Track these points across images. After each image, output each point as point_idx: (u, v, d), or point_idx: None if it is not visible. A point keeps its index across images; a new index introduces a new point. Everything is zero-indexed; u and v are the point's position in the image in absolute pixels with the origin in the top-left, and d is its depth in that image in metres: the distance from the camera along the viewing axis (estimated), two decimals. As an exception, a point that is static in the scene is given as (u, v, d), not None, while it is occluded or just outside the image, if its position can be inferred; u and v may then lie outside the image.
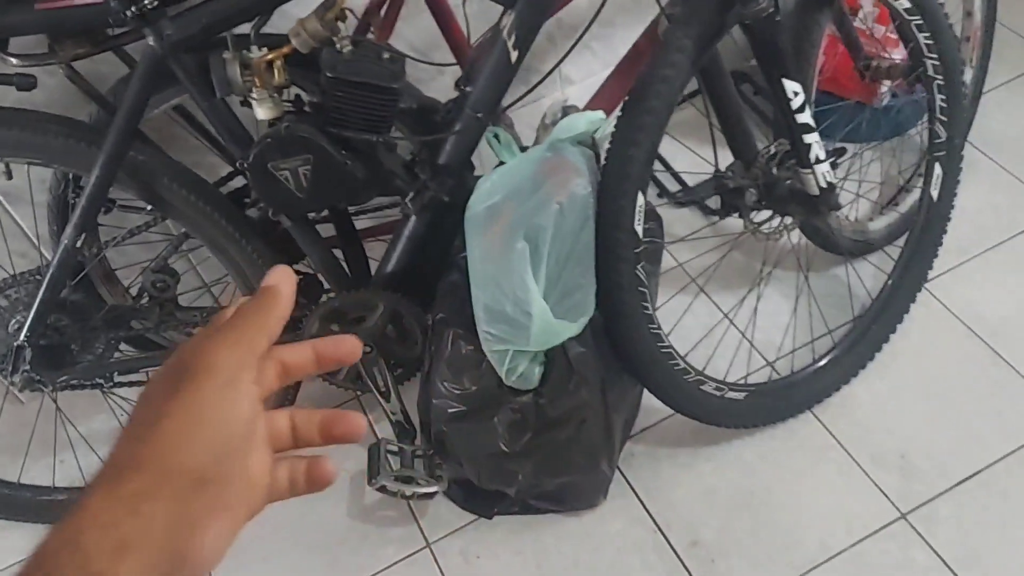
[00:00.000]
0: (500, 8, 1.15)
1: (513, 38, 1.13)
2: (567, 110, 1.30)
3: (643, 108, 1.15)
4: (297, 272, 1.41)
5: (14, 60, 1.12)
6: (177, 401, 0.37)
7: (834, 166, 1.34)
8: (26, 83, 1.08)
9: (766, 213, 1.41)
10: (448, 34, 1.35)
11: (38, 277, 1.26)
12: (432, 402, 1.29)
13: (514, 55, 1.15)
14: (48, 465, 1.58)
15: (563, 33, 1.72)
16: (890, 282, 1.57)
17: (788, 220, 1.41)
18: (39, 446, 1.58)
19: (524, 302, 1.14)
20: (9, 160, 1.15)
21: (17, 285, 1.28)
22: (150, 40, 1.07)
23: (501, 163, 1.25)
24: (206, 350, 0.39)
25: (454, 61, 1.41)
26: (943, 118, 1.44)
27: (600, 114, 1.16)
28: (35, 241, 1.50)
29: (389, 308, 1.31)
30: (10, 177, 1.18)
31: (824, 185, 1.28)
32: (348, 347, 0.46)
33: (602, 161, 1.20)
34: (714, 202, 1.40)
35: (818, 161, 1.25)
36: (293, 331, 1.34)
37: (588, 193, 1.16)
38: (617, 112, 1.20)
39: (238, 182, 1.39)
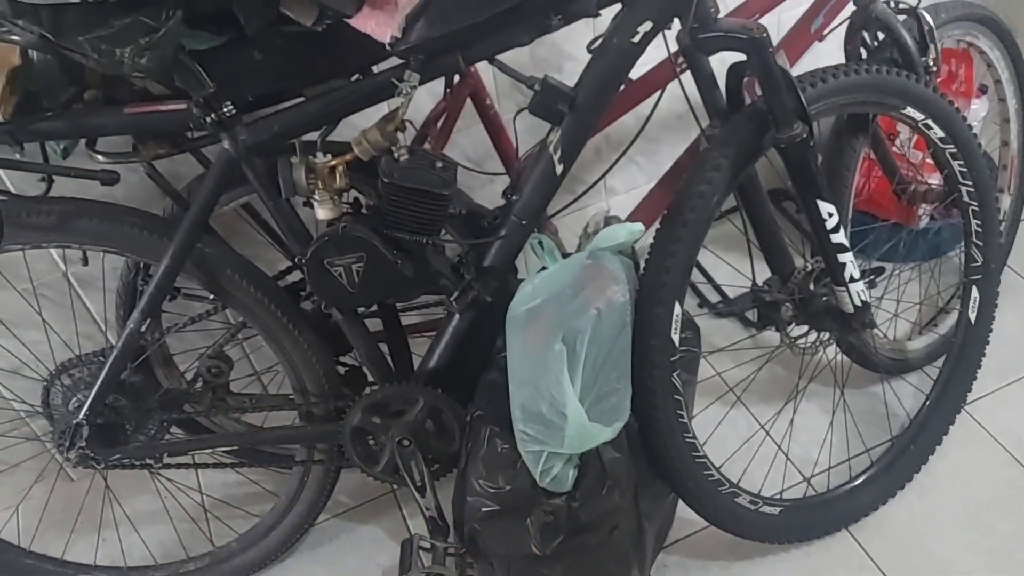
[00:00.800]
0: (548, 124, 1.23)
1: (559, 153, 1.20)
2: (609, 220, 1.36)
3: (680, 221, 1.21)
4: (343, 364, 1.47)
5: (101, 157, 1.22)
6: None
7: (872, 285, 1.37)
8: (110, 178, 1.17)
9: (803, 328, 1.44)
10: (499, 146, 1.44)
11: (101, 359, 1.33)
12: (466, 499, 1.31)
13: (559, 168, 1.22)
14: (91, 543, 1.63)
15: (610, 147, 1.82)
16: (928, 403, 1.57)
17: (825, 335, 1.44)
18: (85, 522, 1.63)
19: (560, 403, 1.17)
20: (87, 248, 1.24)
21: (81, 365, 1.35)
22: (225, 144, 1.16)
23: (543, 268, 1.31)
24: None
25: (503, 171, 1.50)
26: (979, 243, 1.47)
27: (639, 226, 1.22)
28: (102, 325, 1.58)
29: (429, 403, 1.35)
30: (86, 263, 1.27)
31: (859, 303, 1.31)
32: None
33: (640, 270, 1.25)
34: (752, 315, 1.44)
35: (852, 280, 1.29)
36: (337, 420, 1.39)
37: (626, 300, 1.21)
38: (656, 224, 1.26)
39: (294, 276, 1.46)
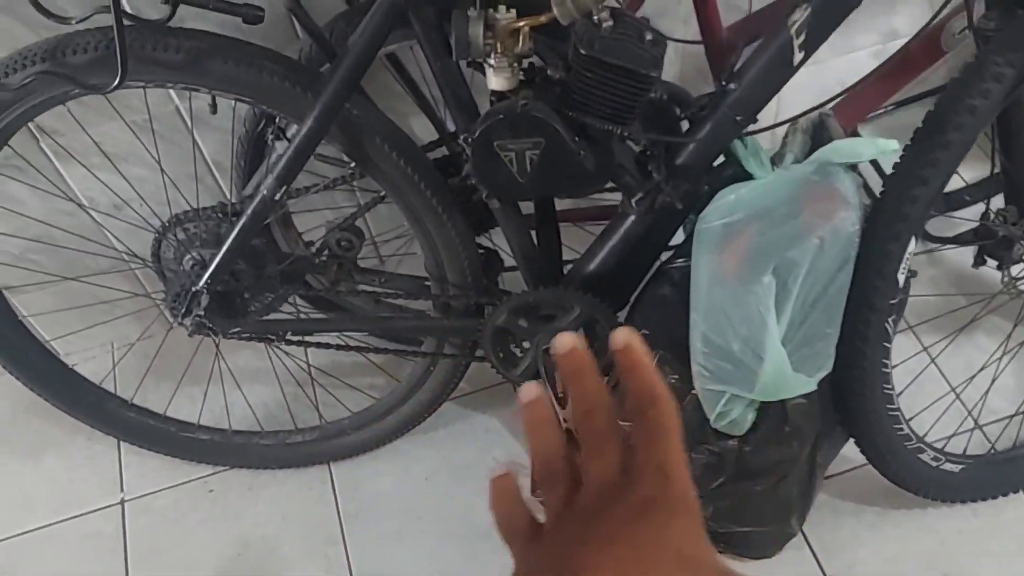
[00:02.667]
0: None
1: (803, 36, 0.96)
2: (825, 119, 1.13)
3: (940, 142, 0.97)
4: (479, 246, 1.29)
5: (239, -15, 1.01)
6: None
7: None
8: (254, 15, 0.96)
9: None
10: (703, 10, 1.18)
11: (220, 214, 1.17)
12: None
13: (798, 56, 0.97)
14: (192, 397, 1.54)
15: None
16: None
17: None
18: (188, 376, 1.53)
19: (758, 343, 1.00)
20: (218, 94, 1.04)
21: (198, 220, 1.20)
22: (392, -15, 0.94)
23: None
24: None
25: (699, 39, 1.24)
26: None
27: (893, 143, 0.98)
28: (218, 177, 1.42)
29: (586, 312, 1.18)
30: (215, 111, 1.09)
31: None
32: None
33: (876, 194, 1.03)
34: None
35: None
36: (478, 317, 1.23)
37: (855, 231, 1.00)
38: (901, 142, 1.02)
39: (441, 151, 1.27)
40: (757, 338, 0.99)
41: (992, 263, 1.20)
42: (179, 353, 1.51)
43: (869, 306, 1.03)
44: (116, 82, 0.95)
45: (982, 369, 1.37)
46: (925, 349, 1.47)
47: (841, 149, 1.00)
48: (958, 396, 1.41)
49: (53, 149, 1.33)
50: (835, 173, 1.01)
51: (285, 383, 1.54)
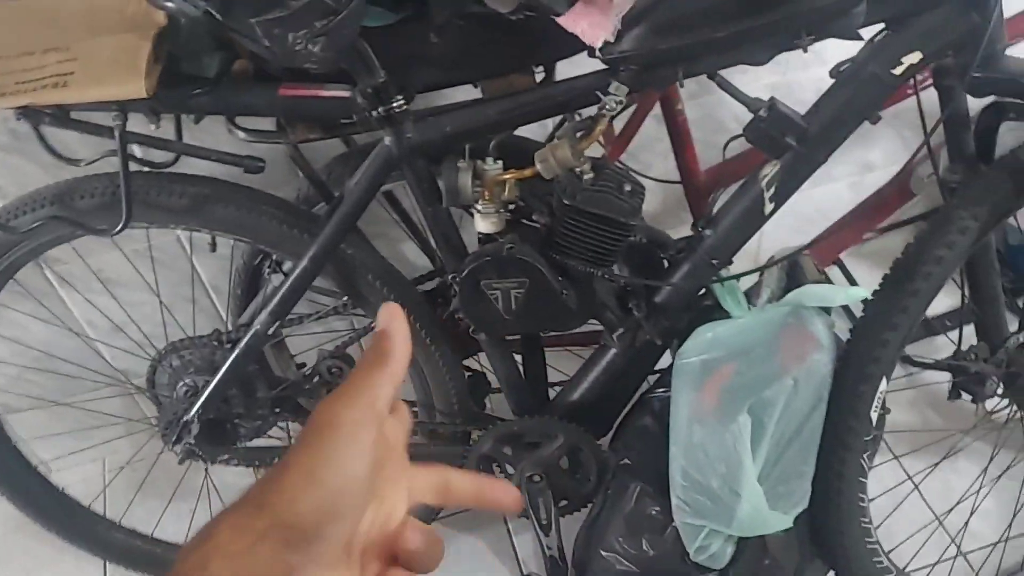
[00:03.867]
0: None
1: (773, 190, 1.01)
2: (802, 261, 1.18)
3: (909, 290, 1.02)
4: (467, 369, 1.33)
5: (243, 135, 1.07)
6: (301, 454, 0.38)
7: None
8: (255, 167, 1.02)
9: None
10: (682, 158, 1.25)
11: (215, 342, 1.21)
12: (600, 553, 1.18)
13: (768, 208, 1.03)
14: (184, 517, 1.54)
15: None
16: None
17: (1027, 415, 1.25)
18: (179, 496, 1.54)
19: (735, 481, 1.02)
20: (219, 235, 1.10)
21: (193, 348, 1.23)
22: (387, 140, 1.00)
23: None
24: (327, 407, 0.40)
25: (678, 180, 1.31)
26: None
27: (862, 292, 1.03)
28: (220, 309, 1.46)
29: (569, 441, 1.21)
30: (214, 249, 1.13)
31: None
32: (511, 501, 0.47)
33: (847, 337, 1.07)
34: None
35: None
36: (464, 444, 1.26)
37: (828, 372, 1.04)
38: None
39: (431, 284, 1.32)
40: (734, 475, 1.02)
41: (967, 396, 1.23)
42: (168, 470, 1.51)
43: (843, 445, 1.06)
44: (120, 226, 1.00)
45: (961, 500, 1.39)
46: (910, 478, 1.49)
47: (813, 293, 1.04)
48: (941, 523, 1.43)
49: (55, 277, 1.37)
50: (808, 316, 1.05)
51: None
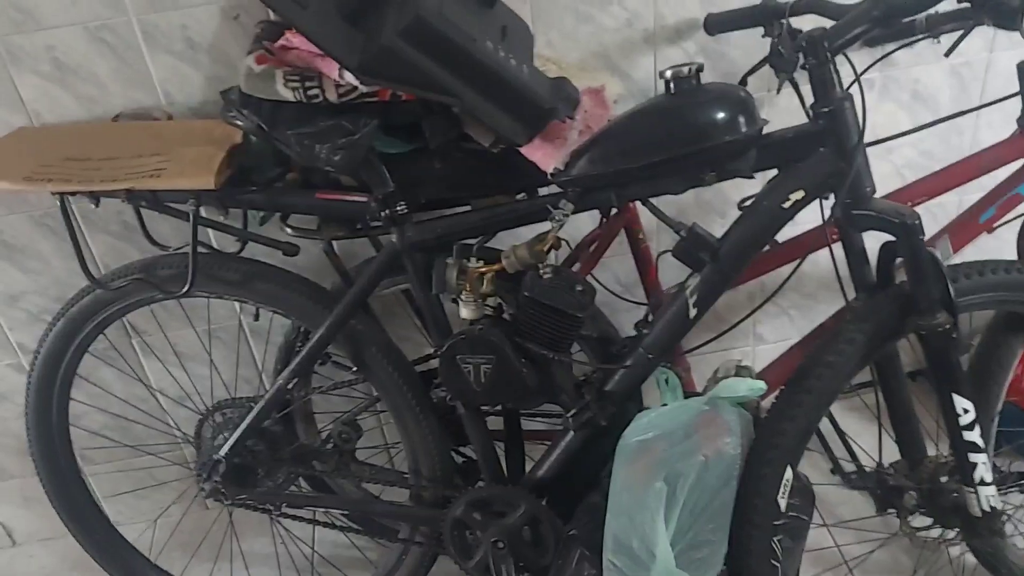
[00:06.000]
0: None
1: (695, 298, 1.24)
2: (740, 370, 1.37)
3: (804, 387, 1.21)
4: (462, 455, 1.54)
5: (289, 230, 1.39)
6: None
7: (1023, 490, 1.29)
8: (291, 250, 1.33)
9: (927, 519, 1.37)
10: (645, 278, 1.49)
11: (252, 404, 1.48)
12: (547, 614, 1.33)
13: (692, 312, 1.25)
14: (207, 570, 1.76)
15: (763, 294, 1.82)
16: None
17: (950, 533, 1.36)
18: (205, 549, 1.76)
19: (651, 541, 1.18)
20: (260, 306, 1.39)
21: (234, 407, 1.51)
22: (393, 237, 1.29)
23: (664, 404, 1.33)
24: None
25: (646, 301, 1.55)
26: None
27: (761, 384, 1.22)
28: (262, 375, 1.75)
29: (530, 511, 1.39)
30: (257, 319, 1.43)
31: (987, 508, 1.24)
32: None
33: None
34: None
35: (983, 483, 1.22)
36: (444, 507, 1.46)
37: (736, 454, 1.21)
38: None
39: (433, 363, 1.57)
40: (651, 537, 1.18)
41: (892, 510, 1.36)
42: (204, 526, 1.75)
43: (750, 522, 1.21)
44: (186, 288, 1.31)
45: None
46: (845, 562, 1.57)
47: (727, 386, 1.24)
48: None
49: (139, 345, 1.70)
50: (724, 406, 1.24)
51: (286, 567, 1.75)
